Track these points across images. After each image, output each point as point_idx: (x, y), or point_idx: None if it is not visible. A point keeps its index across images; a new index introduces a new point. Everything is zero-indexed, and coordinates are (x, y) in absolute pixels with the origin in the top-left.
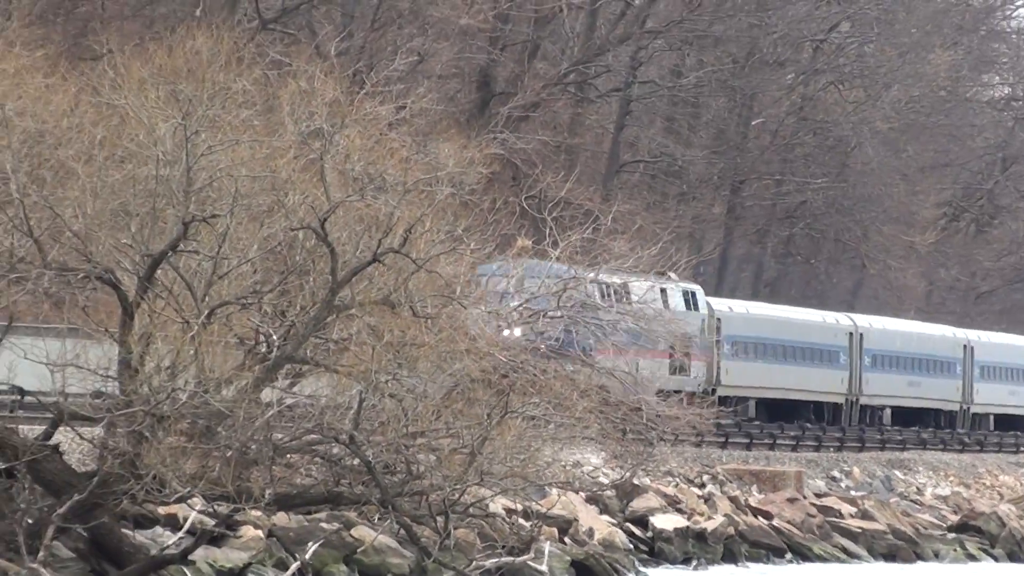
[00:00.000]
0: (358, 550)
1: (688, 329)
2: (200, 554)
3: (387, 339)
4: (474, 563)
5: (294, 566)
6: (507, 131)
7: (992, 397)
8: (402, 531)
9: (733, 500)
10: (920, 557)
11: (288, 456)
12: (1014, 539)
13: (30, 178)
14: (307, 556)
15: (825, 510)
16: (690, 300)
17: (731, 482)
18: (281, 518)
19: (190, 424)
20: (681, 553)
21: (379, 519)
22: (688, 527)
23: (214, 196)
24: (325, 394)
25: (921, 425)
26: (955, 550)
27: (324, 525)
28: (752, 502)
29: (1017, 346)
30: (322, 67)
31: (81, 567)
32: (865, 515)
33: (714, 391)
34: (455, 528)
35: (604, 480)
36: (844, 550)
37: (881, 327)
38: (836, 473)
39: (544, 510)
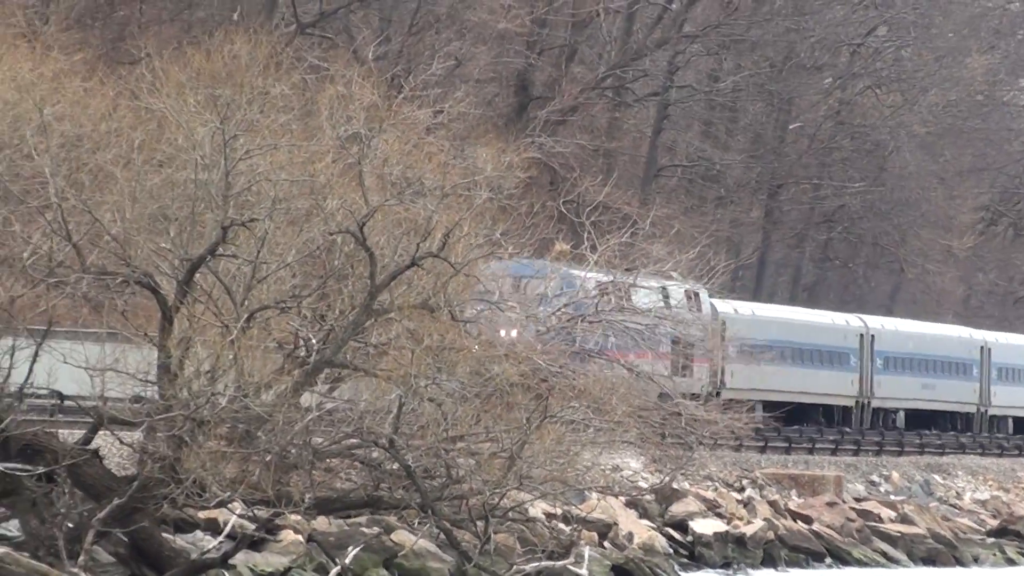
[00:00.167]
0: (398, 554)
1: (691, 330)
2: (240, 558)
3: (426, 343)
4: (514, 567)
5: (334, 570)
6: (545, 135)
7: (1011, 399)
8: (442, 535)
9: (772, 504)
10: (959, 561)
11: (328, 460)
12: None
13: (68, 182)
14: (347, 560)
15: (864, 514)
16: (693, 301)
17: (770, 486)
18: (321, 522)
19: (230, 428)
20: (721, 557)
21: (419, 523)
22: (727, 531)
23: (252, 200)
24: (364, 398)
25: (936, 428)
26: (994, 554)
27: (364, 529)
28: (791, 506)
29: None
30: (360, 71)
31: (121, 571)
32: (904, 519)
33: (719, 394)
34: (495, 532)
35: (643, 484)
36: (884, 554)
37: (893, 328)
38: (875, 477)
39: (584, 514)
